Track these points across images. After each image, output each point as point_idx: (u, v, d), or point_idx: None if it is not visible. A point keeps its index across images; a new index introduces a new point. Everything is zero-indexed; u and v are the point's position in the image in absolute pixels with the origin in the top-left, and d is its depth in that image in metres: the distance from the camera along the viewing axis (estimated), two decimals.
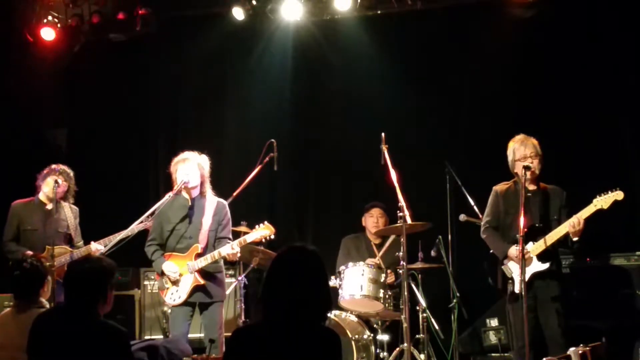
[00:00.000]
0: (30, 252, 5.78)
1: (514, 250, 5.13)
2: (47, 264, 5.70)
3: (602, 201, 4.95)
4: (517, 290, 5.15)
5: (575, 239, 5.02)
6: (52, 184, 5.95)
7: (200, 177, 5.48)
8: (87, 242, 6.10)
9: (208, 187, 5.56)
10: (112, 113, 8.00)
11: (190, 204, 5.48)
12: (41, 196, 6.09)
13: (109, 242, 5.79)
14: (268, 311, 2.89)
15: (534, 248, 5.11)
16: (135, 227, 5.64)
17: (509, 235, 5.26)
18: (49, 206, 5.99)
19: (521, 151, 5.22)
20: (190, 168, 5.44)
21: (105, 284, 3.52)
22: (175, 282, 5.36)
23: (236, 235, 5.68)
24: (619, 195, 4.94)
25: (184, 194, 5.51)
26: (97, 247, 5.89)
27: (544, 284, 5.14)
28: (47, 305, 4.23)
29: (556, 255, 5.27)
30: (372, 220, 6.62)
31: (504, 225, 5.36)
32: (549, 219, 5.21)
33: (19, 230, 6.08)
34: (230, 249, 5.29)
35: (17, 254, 5.76)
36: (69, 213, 6.19)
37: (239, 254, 5.43)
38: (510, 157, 5.31)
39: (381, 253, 6.43)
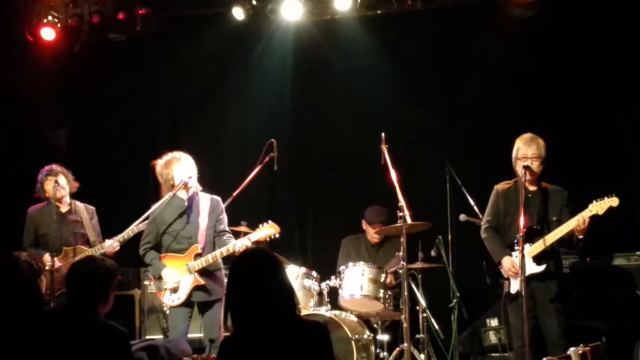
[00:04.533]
0: (47, 256, 5.86)
1: (507, 262, 5.15)
2: (62, 264, 5.85)
3: (598, 206, 4.94)
4: (512, 290, 5.17)
5: (580, 236, 5.03)
6: (51, 185, 5.99)
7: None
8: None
9: (197, 184, 5.56)
10: (112, 113, 7.99)
11: (186, 203, 5.48)
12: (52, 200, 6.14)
13: (122, 239, 5.88)
14: (239, 321, 2.86)
15: (531, 250, 5.09)
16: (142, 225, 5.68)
17: (508, 236, 5.25)
18: (63, 209, 6.12)
19: (523, 150, 5.20)
20: (189, 167, 5.47)
21: (107, 284, 3.53)
22: (174, 289, 5.36)
23: (236, 235, 5.67)
24: (614, 201, 4.93)
25: (179, 193, 5.49)
26: (112, 244, 5.93)
27: (542, 285, 5.13)
28: None
29: (556, 255, 5.26)
30: (372, 231, 6.55)
31: (503, 225, 5.35)
32: (548, 220, 5.20)
33: (37, 234, 6.16)
34: (247, 241, 5.27)
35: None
36: (84, 214, 6.25)
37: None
38: (513, 155, 5.30)
39: (386, 268, 6.38)
